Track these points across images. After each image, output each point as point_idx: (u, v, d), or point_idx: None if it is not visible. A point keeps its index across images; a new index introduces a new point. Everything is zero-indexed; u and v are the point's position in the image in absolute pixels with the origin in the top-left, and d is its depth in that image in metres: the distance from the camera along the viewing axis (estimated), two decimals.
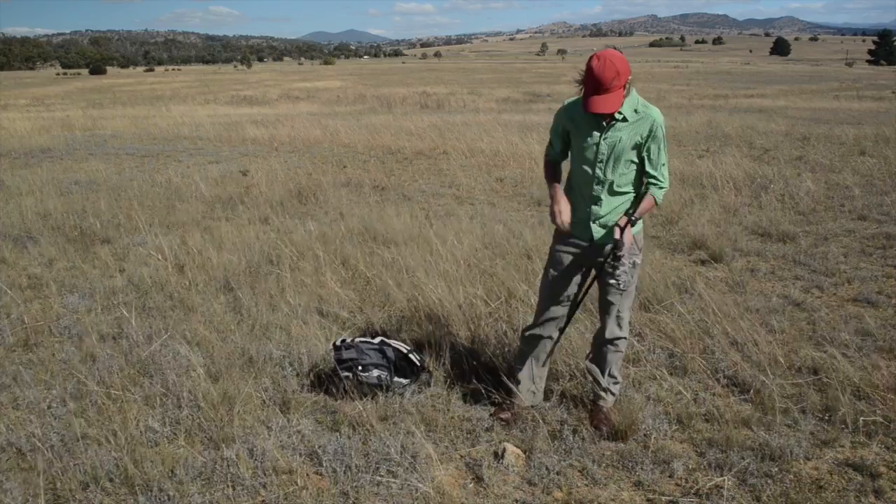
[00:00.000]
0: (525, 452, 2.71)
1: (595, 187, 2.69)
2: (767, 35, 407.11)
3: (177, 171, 9.43)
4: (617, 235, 2.57)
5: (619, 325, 2.89)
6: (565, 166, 2.85)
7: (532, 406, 3.01)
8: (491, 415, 3.00)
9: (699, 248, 5.40)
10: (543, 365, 3.03)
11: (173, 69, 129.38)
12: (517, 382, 3.01)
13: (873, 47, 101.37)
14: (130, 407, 3.03)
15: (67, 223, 6.33)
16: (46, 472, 2.60)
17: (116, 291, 4.58)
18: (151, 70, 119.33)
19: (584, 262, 2.83)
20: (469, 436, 2.86)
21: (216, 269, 4.88)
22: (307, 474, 2.57)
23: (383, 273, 4.63)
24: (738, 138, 11.96)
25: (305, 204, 7.34)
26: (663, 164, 2.69)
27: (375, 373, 3.15)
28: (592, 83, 2.46)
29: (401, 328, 3.88)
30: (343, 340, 3.32)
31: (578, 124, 2.68)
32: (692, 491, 2.49)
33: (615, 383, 3.00)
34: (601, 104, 2.47)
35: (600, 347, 2.95)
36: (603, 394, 2.96)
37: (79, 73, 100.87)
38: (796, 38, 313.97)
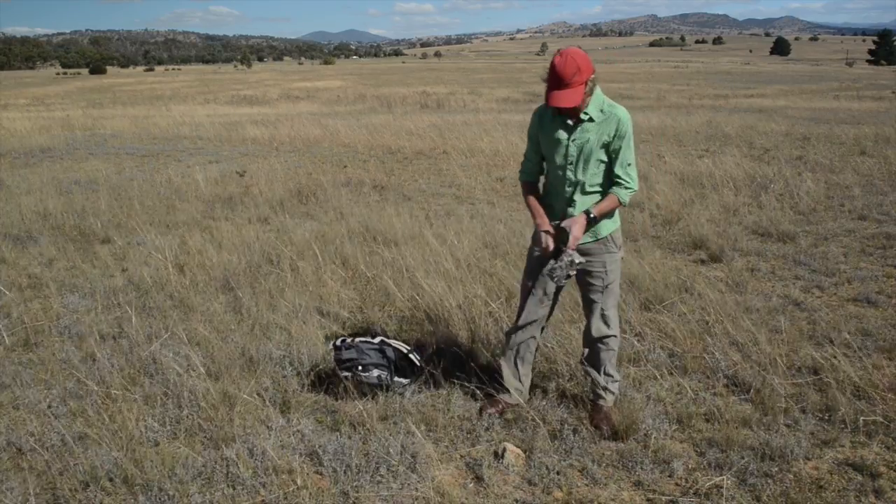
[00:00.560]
0: (525, 452, 2.71)
1: (567, 189, 2.76)
2: (767, 35, 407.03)
3: (177, 170, 9.43)
4: (564, 223, 2.62)
5: (606, 323, 2.90)
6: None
7: (515, 404, 3.02)
8: (479, 409, 3.02)
9: (699, 247, 5.40)
10: (528, 364, 3.06)
11: (173, 69, 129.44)
12: (503, 380, 3.04)
13: (873, 47, 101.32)
14: (130, 407, 3.03)
15: (67, 223, 6.33)
16: (46, 472, 2.61)
17: (116, 291, 4.57)
18: (151, 70, 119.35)
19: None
20: (469, 436, 2.86)
21: (216, 269, 4.88)
22: (307, 474, 2.57)
23: (383, 273, 4.63)
24: (738, 138, 11.96)
25: (305, 204, 7.34)
26: (629, 164, 2.71)
27: (375, 373, 3.15)
28: (554, 78, 2.53)
29: (401, 328, 3.88)
30: (343, 340, 3.32)
31: (547, 128, 2.75)
32: (692, 491, 2.49)
33: (613, 381, 3.00)
34: (562, 98, 2.54)
35: (591, 347, 2.96)
36: (602, 393, 2.97)
37: (79, 73, 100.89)
38: (796, 38, 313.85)
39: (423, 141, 12.21)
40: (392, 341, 3.35)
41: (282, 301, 4.24)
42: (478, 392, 3.14)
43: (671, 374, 3.31)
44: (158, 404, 3.08)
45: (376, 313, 4.08)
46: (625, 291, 4.26)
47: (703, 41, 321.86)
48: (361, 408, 2.98)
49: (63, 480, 2.54)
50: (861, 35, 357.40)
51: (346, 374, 3.14)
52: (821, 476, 2.57)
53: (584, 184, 2.72)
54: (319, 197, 7.54)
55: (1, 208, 7.04)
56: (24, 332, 3.92)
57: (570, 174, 2.72)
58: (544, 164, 2.87)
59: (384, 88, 40.16)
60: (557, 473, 2.59)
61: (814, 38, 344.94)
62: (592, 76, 2.56)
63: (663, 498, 2.46)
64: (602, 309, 2.87)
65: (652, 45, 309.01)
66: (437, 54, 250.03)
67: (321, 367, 3.37)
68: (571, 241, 2.62)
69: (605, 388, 2.96)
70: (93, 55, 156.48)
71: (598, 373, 2.96)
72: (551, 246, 2.69)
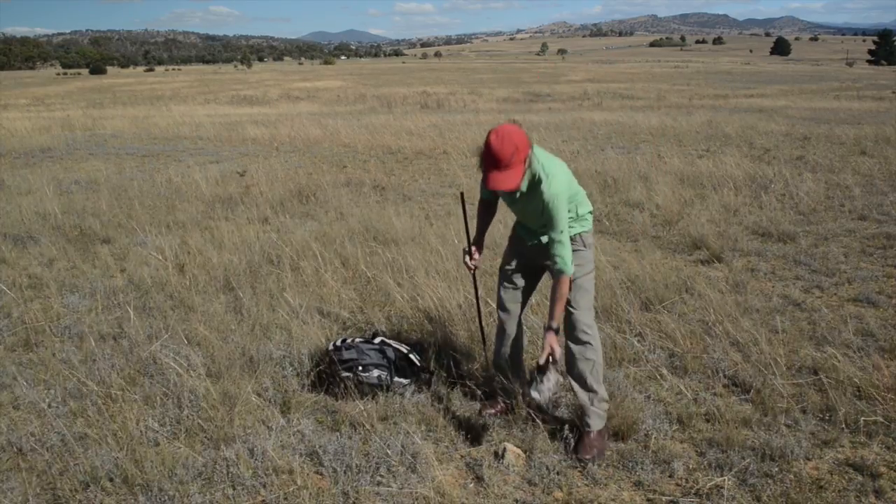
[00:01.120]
0: (525, 452, 2.71)
1: (530, 230, 2.82)
2: (768, 35, 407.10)
3: (177, 170, 9.43)
4: (542, 360, 2.56)
5: (577, 326, 2.72)
6: None
7: (511, 402, 2.99)
8: (479, 409, 3.01)
9: (699, 247, 5.40)
10: (519, 361, 3.04)
11: (173, 69, 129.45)
12: (499, 383, 3.03)
13: (873, 47, 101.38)
14: (130, 407, 3.03)
15: (67, 223, 6.33)
16: (46, 472, 2.61)
17: (116, 291, 4.57)
18: (152, 70, 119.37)
19: (529, 262, 2.89)
20: (469, 436, 2.86)
21: (216, 269, 4.88)
22: (307, 474, 2.57)
23: (383, 273, 4.63)
24: (738, 138, 11.96)
25: (306, 204, 7.34)
26: (558, 242, 2.54)
27: (376, 373, 3.15)
28: (492, 159, 2.44)
29: (401, 328, 3.88)
30: (343, 340, 3.32)
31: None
32: (692, 491, 2.49)
33: (600, 401, 2.76)
34: (501, 181, 2.45)
35: (569, 357, 2.79)
36: (586, 419, 2.75)
37: (79, 73, 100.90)
38: (796, 38, 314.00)
39: (423, 141, 12.22)
40: (392, 341, 3.36)
41: (282, 301, 4.24)
42: (478, 392, 3.14)
43: (671, 374, 3.31)
44: (158, 404, 3.08)
45: (376, 313, 4.08)
46: (625, 291, 4.27)
47: (704, 41, 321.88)
48: (362, 408, 2.98)
49: (63, 480, 2.54)
50: (861, 35, 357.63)
51: (346, 374, 3.14)
52: (821, 476, 2.56)
53: (543, 226, 2.65)
54: (320, 197, 7.54)
55: (1, 208, 7.04)
56: (25, 332, 3.92)
57: (528, 223, 2.79)
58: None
59: (384, 88, 40.18)
60: (557, 473, 2.59)
61: (814, 38, 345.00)
62: (529, 152, 2.48)
63: (664, 498, 2.46)
64: (572, 307, 2.71)
65: (652, 45, 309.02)
66: (437, 54, 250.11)
67: (321, 367, 3.37)
68: (558, 356, 2.57)
69: (588, 410, 2.74)
70: (93, 55, 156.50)
71: (583, 389, 2.76)
72: (471, 265, 2.95)
